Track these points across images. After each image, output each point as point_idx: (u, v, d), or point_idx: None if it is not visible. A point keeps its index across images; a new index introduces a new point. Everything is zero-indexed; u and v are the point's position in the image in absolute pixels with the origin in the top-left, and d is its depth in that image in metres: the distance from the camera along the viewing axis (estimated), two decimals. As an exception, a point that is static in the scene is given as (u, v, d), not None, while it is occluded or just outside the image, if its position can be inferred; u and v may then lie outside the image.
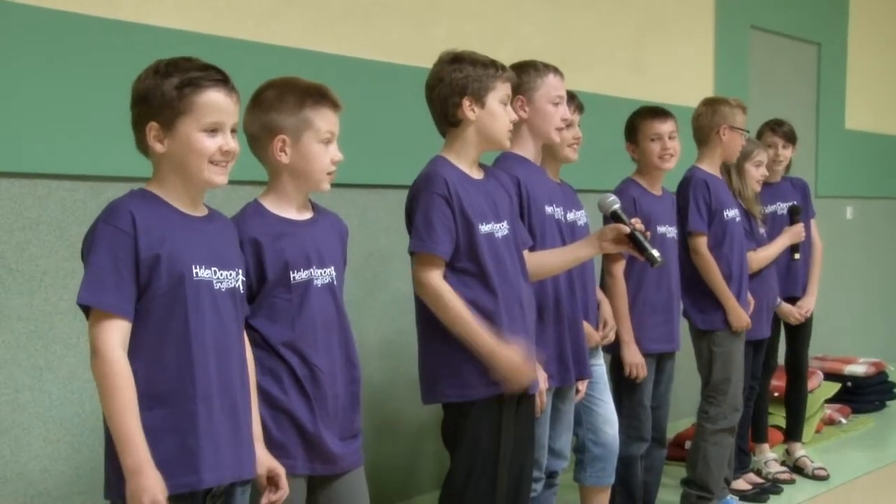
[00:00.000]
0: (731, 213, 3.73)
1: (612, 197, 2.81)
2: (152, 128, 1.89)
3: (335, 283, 2.26)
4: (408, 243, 2.60)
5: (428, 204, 2.54)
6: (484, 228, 2.60)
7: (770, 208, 4.20)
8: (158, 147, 1.89)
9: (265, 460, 2.04)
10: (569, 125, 3.01)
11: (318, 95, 2.18)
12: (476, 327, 2.52)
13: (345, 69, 3.50)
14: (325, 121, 2.16)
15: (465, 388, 2.57)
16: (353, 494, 2.26)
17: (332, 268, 2.25)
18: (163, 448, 1.82)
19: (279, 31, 3.36)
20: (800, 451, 4.45)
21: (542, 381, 2.77)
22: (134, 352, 1.84)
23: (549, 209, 2.93)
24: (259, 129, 2.17)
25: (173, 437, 1.85)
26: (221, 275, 1.95)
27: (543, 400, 2.80)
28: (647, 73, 4.90)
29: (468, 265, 2.56)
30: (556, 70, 2.96)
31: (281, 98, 2.15)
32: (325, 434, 2.16)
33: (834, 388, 5.17)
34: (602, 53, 4.73)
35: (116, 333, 1.81)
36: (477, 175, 2.69)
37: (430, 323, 2.61)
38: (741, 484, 4.05)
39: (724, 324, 3.66)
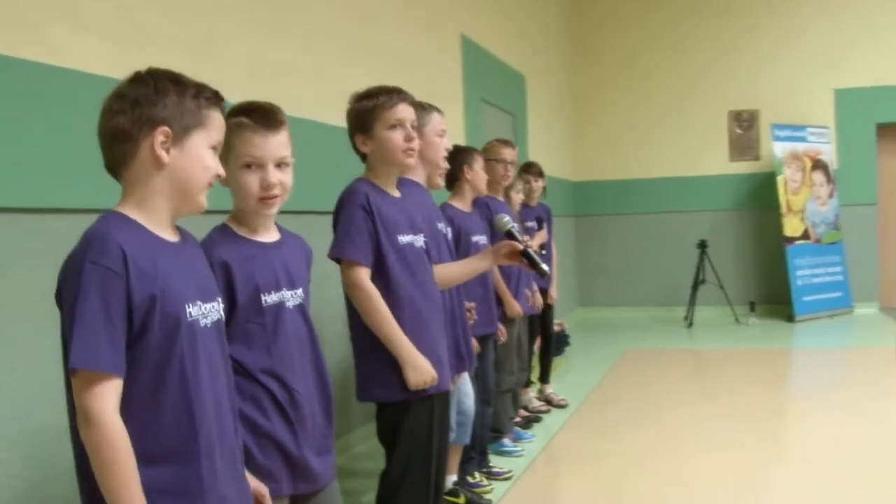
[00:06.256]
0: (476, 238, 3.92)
1: (507, 217, 2.79)
2: (163, 133, 1.48)
3: (305, 304, 1.94)
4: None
5: (349, 213, 2.40)
6: (403, 239, 2.47)
7: (528, 224, 4.98)
8: (164, 157, 1.48)
9: (250, 482, 1.73)
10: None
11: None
12: (399, 330, 2.40)
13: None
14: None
15: (403, 389, 2.42)
16: None
17: (301, 289, 1.94)
18: None
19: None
20: (548, 388, 5.41)
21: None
22: (125, 410, 1.41)
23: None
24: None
25: (177, 503, 1.49)
26: (206, 308, 1.55)
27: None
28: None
29: (392, 271, 2.45)
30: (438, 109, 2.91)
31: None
32: (307, 455, 1.90)
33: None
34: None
35: (112, 397, 1.40)
36: (395, 193, 2.54)
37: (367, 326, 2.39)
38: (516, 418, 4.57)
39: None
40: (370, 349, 2.42)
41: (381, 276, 2.42)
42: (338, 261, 2.42)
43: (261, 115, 1.88)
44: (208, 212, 1.72)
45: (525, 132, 7.79)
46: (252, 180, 1.86)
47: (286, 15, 3.94)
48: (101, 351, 1.39)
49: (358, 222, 2.39)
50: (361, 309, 2.40)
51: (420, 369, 2.42)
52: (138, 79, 1.51)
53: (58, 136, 2.57)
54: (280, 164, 1.90)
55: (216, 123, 1.56)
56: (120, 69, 1.65)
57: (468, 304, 3.17)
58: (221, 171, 1.58)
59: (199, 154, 1.53)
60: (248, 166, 1.86)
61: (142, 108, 1.48)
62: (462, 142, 5.63)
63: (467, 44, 6.28)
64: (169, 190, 1.51)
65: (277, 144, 1.88)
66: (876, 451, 4.17)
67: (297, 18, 4.03)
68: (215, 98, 1.57)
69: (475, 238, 3.67)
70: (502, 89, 7.17)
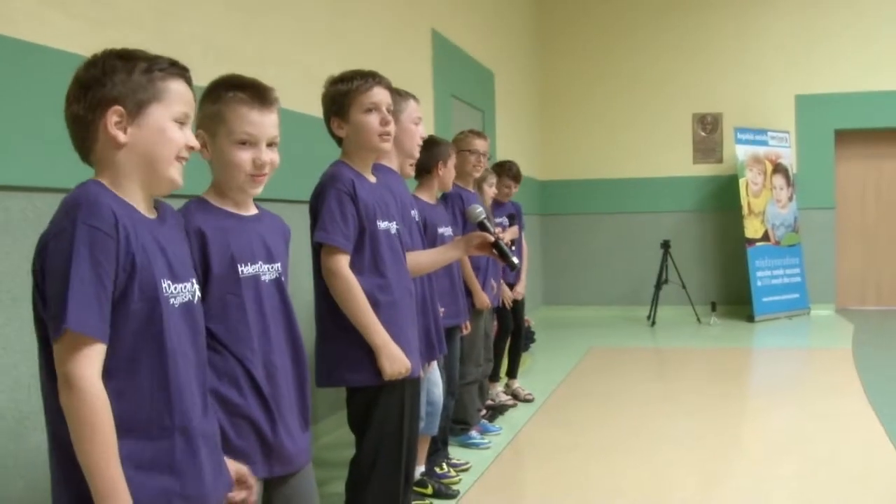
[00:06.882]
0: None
1: (480, 209, 2.79)
2: (115, 112, 1.44)
3: (282, 278, 1.89)
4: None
5: (334, 198, 2.36)
6: (381, 225, 2.46)
7: (498, 220, 5.02)
8: (121, 137, 1.44)
9: (229, 465, 1.68)
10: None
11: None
12: (375, 319, 2.37)
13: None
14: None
15: (375, 374, 2.42)
16: (305, 491, 1.97)
17: (279, 264, 1.89)
18: (142, 491, 1.41)
19: None
20: (515, 383, 5.48)
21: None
22: (103, 377, 1.37)
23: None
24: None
25: (152, 478, 1.44)
26: (176, 289, 1.51)
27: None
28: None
29: (368, 256, 2.42)
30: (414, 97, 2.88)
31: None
32: (283, 436, 1.84)
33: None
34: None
35: (95, 361, 1.36)
36: (371, 178, 2.52)
37: (339, 310, 2.38)
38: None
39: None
40: (342, 333, 2.40)
41: (359, 262, 2.41)
42: (318, 245, 2.40)
43: (257, 92, 1.84)
44: (180, 195, 1.67)
45: (494, 129, 7.88)
46: (245, 157, 1.83)
47: (257, 2, 3.95)
48: (92, 314, 1.35)
49: (344, 208, 2.37)
50: (339, 296, 2.37)
51: (395, 359, 2.41)
52: (91, 62, 1.48)
53: (18, 111, 2.53)
54: (271, 144, 1.88)
55: (177, 95, 1.51)
56: (81, 46, 1.59)
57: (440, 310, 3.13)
58: (192, 143, 1.54)
59: (160, 127, 1.48)
60: (243, 143, 1.83)
61: (92, 91, 1.45)
62: (431, 137, 5.66)
63: (438, 39, 6.30)
64: (135, 169, 1.48)
65: (271, 123, 1.86)
66: (831, 448, 4.28)
67: (268, 6, 4.04)
68: (172, 69, 1.51)
69: (441, 229, 3.66)
70: (472, 85, 7.23)
